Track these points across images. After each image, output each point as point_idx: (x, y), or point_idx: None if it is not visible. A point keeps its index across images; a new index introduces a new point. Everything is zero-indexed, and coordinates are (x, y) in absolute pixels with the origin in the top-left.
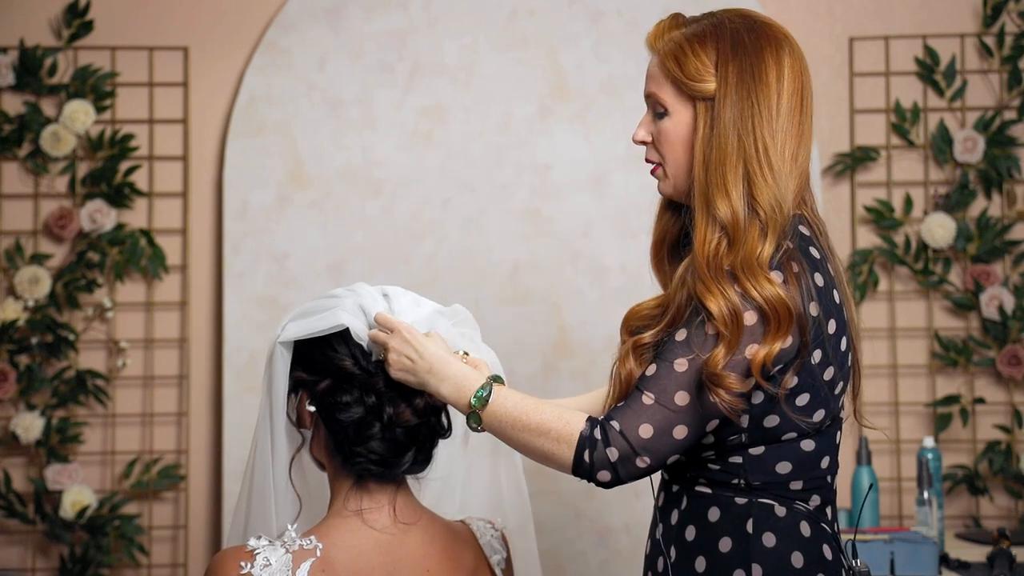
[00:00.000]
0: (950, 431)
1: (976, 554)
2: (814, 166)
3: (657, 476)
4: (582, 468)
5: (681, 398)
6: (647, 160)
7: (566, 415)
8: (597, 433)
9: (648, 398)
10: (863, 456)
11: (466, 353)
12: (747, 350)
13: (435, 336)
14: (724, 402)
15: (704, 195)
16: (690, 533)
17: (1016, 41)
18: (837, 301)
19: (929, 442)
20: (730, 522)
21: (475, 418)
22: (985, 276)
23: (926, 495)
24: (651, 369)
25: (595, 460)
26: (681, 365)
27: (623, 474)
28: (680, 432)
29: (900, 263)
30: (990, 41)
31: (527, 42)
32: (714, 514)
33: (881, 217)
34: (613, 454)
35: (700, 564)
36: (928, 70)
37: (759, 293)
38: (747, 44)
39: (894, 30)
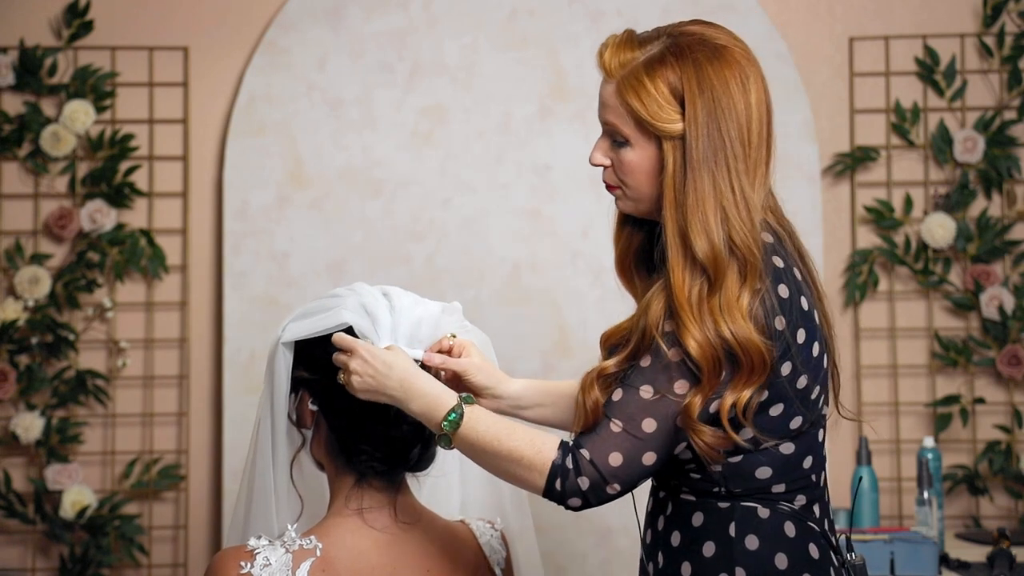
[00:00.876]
0: (950, 431)
1: (976, 554)
2: (814, 166)
3: (645, 485)
4: (553, 495)
5: (648, 425)
6: (605, 181)
7: (538, 441)
8: (568, 462)
9: (616, 426)
10: (863, 456)
11: (453, 335)
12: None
13: (397, 350)
14: (702, 450)
15: (681, 235)
16: (675, 539)
17: (1016, 41)
18: (805, 308)
19: (929, 442)
20: (713, 526)
21: (445, 440)
22: (985, 276)
23: (926, 495)
24: (617, 394)
25: (566, 488)
26: (647, 391)
27: (594, 500)
28: (649, 459)
29: (900, 263)
30: (990, 41)
31: (527, 42)
32: (698, 519)
33: (881, 217)
34: (584, 483)
35: (686, 569)
36: (928, 70)
37: (735, 337)
38: (711, 77)
39: (894, 30)
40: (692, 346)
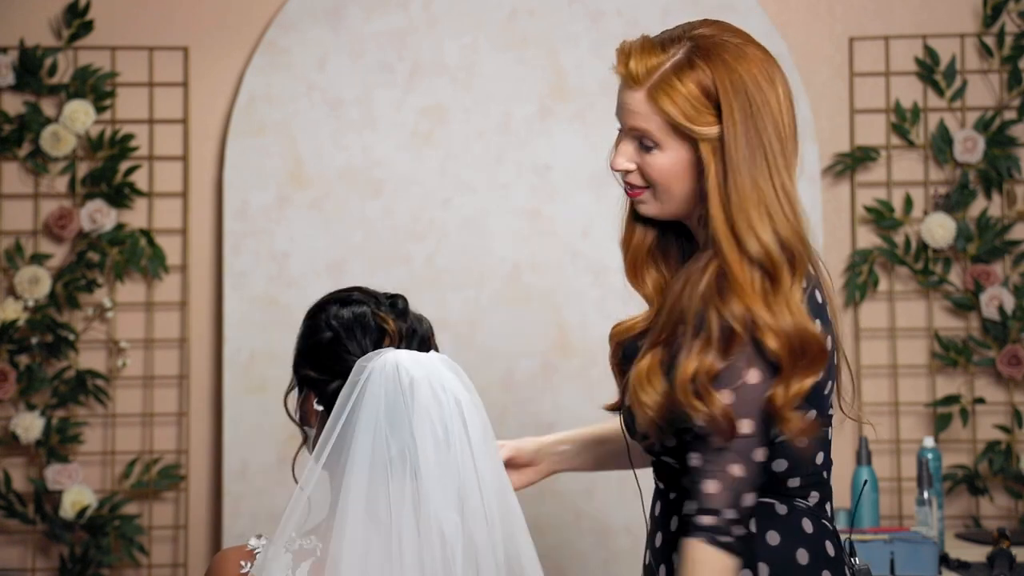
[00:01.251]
0: (950, 431)
1: (976, 554)
2: (814, 166)
3: (647, 486)
4: (742, 553)
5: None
6: (629, 183)
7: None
8: (719, 538)
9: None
10: (863, 456)
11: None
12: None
13: None
14: (793, 433)
15: (734, 235)
16: None
17: (1016, 41)
18: (829, 318)
19: (929, 442)
20: None
21: None
22: (985, 276)
23: (926, 495)
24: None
25: (735, 545)
26: (736, 470)
27: (738, 531)
28: (759, 455)
29: (900, 263)
30: (990, 41)
31: (527, 42)
32: None
33: (881, 217)
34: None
35: None
36: (928, 70)
37: (796, 327)
38: (743, 76)
39: (894, 30)
40: (771, 340)
